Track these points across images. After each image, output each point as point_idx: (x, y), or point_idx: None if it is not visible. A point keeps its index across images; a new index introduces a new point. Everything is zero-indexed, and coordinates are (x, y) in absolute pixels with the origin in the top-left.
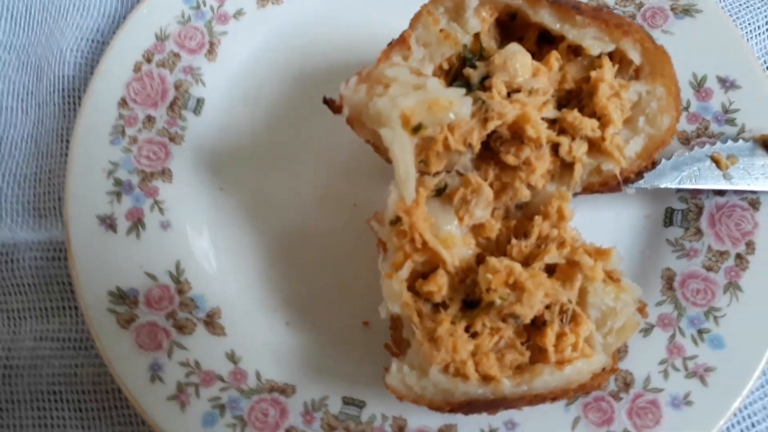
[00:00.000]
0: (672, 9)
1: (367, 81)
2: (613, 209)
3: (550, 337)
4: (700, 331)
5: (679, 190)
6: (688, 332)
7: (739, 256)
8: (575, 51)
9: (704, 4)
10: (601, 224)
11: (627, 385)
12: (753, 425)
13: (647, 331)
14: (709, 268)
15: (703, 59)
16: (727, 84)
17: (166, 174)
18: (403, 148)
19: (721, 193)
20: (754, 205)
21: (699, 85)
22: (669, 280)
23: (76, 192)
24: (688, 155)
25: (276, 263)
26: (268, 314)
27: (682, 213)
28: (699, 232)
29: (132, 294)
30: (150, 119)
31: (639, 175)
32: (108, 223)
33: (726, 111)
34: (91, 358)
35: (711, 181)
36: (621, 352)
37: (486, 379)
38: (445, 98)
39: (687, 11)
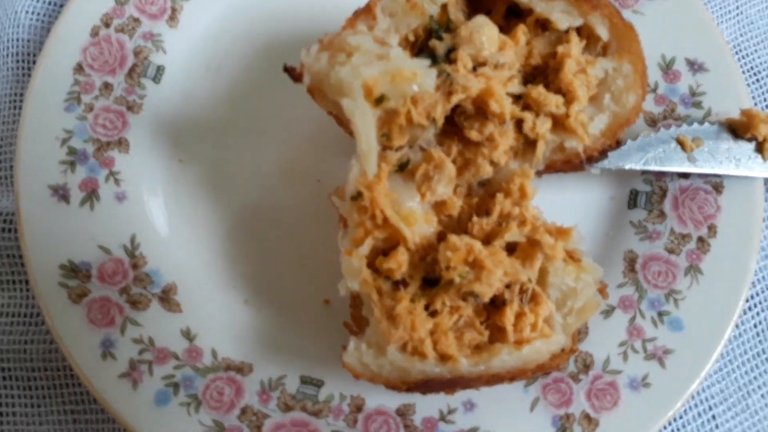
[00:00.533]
0: None
1: (329, 48)
2: (577, 190)
3: (509, 317)
4: (660, 314)
5: (644, 172)
6: (648, 314)
7: (700, 239)
8: (543, 25)
9: None
10: (566, 205)
11: (586, 366)
12: (710, 408)
13: (608, 312)
14: (671, 251)
15: (672, 41)
16: (695, 67)
17: (122, 144)
18: (365, 120)
19: (685, 176)
20: (718, 188)
21: (667, 67)
22: (631, 262)
23: (28, 160)
24: (653, 136)
25: (235, 239)
26: (226, 291)
27: (647, 195)
28: (662, 214)
29: (84, 267)
30: (107, 86)
31: (603, 153)
32: (61, 193)
33: (693, 94)
34: (41, 334)
35: (676, 163)
36: (581, 334)
37: (444, 358)
38: (409, 69)
39: None
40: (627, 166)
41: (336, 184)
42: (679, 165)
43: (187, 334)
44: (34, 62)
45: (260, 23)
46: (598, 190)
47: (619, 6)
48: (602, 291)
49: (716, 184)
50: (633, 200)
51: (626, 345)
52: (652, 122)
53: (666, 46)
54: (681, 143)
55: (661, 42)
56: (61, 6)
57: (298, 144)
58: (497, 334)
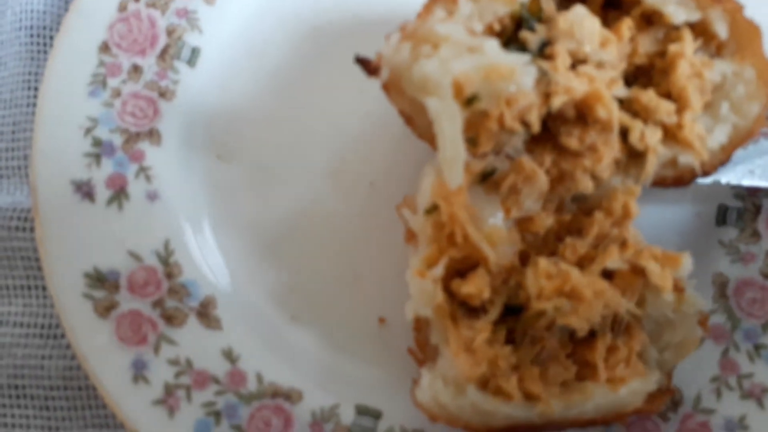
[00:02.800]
0: None
1: (412, 39)
2: (657, 204)
3: (600, 351)
4: (757, 347)
5: (734, 186)
6: (743, 347)
7: None
8: (648, 19)
9: None
10: (645, 220)
11: (675, 404)
12: None
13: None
14: (767, 276)
15: None
16: None
17: (154, 135)
18: (453, 123)
19: None
20: None
21: None
22: (722, 286)
23: (47, 151)
24: (752, 147)
25: (280, 247)
26: (270, 306)
27: (738, 212)
28: (756, 234)
29: (112, 276)
30: (136, 69)
31: (715, 170)
32: (85, 190)
33: None
34: (61, 349)
35: None
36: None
37: (530, 398)
38: (507, 66)
39: None
40: (723, 181)
41: (391, 187)
42: None
43: (229, 355)
44: (50, 37)
45: (307, 3)
46: (681, 204)
47: None
48: (703, 323)
49: None
50: (722, 217)
51: (719, 381)
52: None
53: None
54: None
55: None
56: None
57: (349, 142)
58: (584, 370)
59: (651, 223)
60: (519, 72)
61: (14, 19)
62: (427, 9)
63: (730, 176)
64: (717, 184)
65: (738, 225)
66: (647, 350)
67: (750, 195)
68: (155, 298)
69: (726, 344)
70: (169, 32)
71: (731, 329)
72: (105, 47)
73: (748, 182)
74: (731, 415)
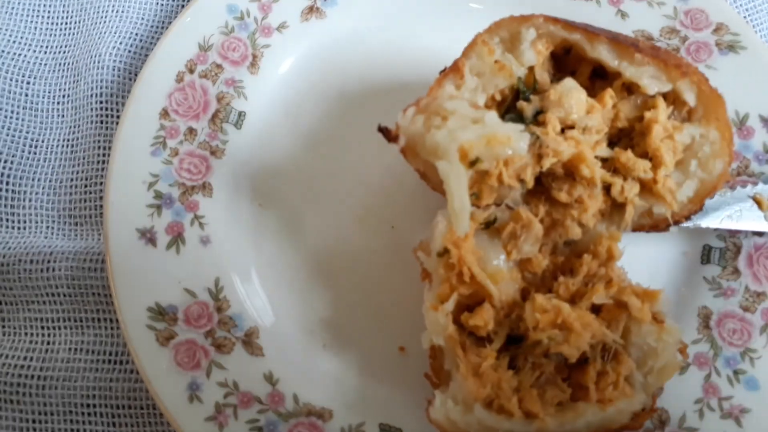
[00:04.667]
0: (716, 44)
1: (425, 112)
2: (649, 245)
3: (591, 375)
4: (736, 372)
5: (717, 228)
6: (723, 372)
7: None
8: (629, 88)
9: (748, 41)
10: (638, 259)
11: (662, 423)
12: None
13: (683, 369)
14: (746, 309)
15: (746, 97)
16: None
17: (206, 188)
18: (459, 181)
19: (759, 233)
20: None
21: (741, 123)
22: (706, 318)
23: (117, 203)
24: (730, 195)
25: (313, 283)
26: (304, 335)
27: (720, 251)
28: (736, 271)
29: (171, 310)
30: (191, 131)
31: (688, 218)
32: (148, 236)
33: (767, 150)
34: (125, 373)
35: (752, 222)
36: (657, 390)
37: (529, 416)
38: (504, 134)
39: (731, 47)
40: (704, 225)
41: (409, 230)
42: (756, 224)
43: (270, 379)
44: (117, 104)
45: (336, 70)
46: (671, 244)
47: (692, 61)
48: (683, 351)
49: None
50: (706, 256)
51: (702, 403)
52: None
53: (739, 102)
54: (758, 202)
55: (735, 97)
56: (143, 49)
57: (372, 191)
58: (578, 392)
59: (643, 261)
60: (515, 138)
61: (87, 87)
62: (439, 83)
63: (713, 220)
64: (702, 228)
65: (720, 263)
66: (633, 375)
67: (731, 236)
68: (207, 329)
69: (708, 370)
70: (219, 99)
71: (713, 357)
72: (165, 113)
73: (727, 225)
74: None
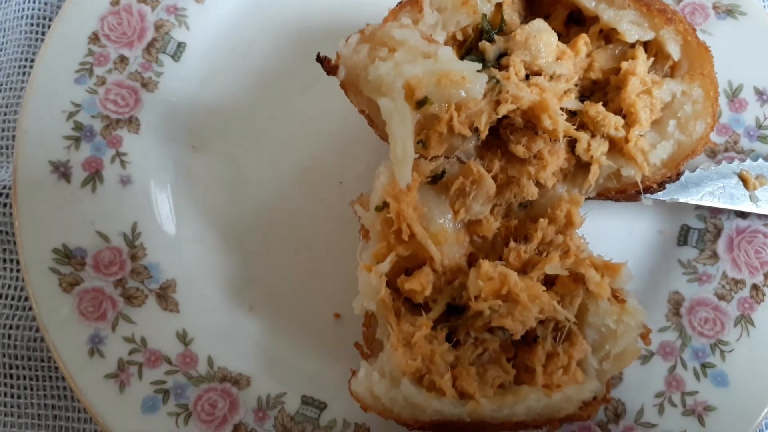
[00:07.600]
0: (714, 7)
1: (370, 41)
2: (623, 219)
3: (540, 356)
4: (704, 365)
5: (698, 207)
6: (690, 365)
7: (755, 287)
8: (606, 37)
9: (749, 6)
10: (609, 234)
11: (617, 415)
12: None
13: (646, 358)
14: (721, 297)
15: (741, 66)
16: (764, 97)
17: (132, 123)
18: (403, 124)
19: (743, 215)
20: None
21: (733, 95)
22: (676, 304)
23: (31, 132)
24: (714, 169)
25: (245, 238)
26: (230, 294)
27: (699, 233)
28: (714, 255)
29: (79, 254)
30: (123, 60)
31: (661, 185)
32: (62, 171)
33: (759, 126)
34: (27, 320)
35: (736, 201)
36: (614, 379)
37: (463, 396)
38: (458, 72)
39: (730, 12)
40: (683, 199)
41: (360, 188)
42: (740, 204)
43: (183, 338)
44: (47, 27)
45: (295, 8)
46: (646, 221)
47: None
48: (645, 337)
49: None
50: (684, 237)
51: (663, 396)
52: (712, 153)
53: (734, 71)
54: (744, 180)
55: (729, 66)
56: None
57: (322, 142)
58: (524, 374)
59: (613, 236)
60: (470, 78)
61: (17, 8)
62: (393, 14)
63: (693, 196)
64: (683, 205)
65: (698, 246)
66: (587, 359)
67: (712, 217)
68: (118, 277)
69: (674, 361)
70: (157, 27)
71: (681, 347)
72: (95, 37)
73: (707, 202)
74: (672, 431)
